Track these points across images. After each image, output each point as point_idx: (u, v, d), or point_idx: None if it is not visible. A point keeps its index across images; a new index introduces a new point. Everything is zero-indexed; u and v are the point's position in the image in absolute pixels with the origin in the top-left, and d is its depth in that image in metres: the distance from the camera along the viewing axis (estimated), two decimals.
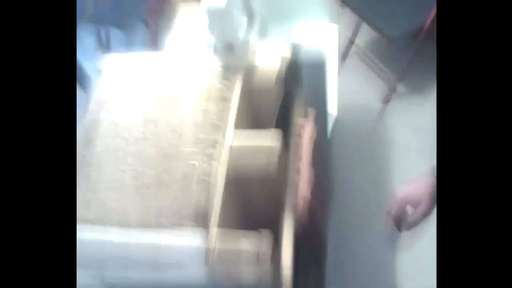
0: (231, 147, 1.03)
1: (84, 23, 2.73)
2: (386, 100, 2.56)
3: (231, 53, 1.20)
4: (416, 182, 0.95)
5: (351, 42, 2.73)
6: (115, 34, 2.66)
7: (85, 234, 0.96)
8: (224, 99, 1.11)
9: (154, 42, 2.54)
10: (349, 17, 2.61)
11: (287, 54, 1.18)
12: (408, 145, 2.31)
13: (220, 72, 1.16)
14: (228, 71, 1.16)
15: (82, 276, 1.08)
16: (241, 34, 1.20)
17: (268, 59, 1.17)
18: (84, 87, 2.17)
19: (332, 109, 1.66)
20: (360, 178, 2.12)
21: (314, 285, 1.59)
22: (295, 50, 1.22)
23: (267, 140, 1.03)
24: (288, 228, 1.07)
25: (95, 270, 1.03)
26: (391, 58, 2.71)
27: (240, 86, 1.13)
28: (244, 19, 1.27)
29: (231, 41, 1.19)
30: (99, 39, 2.69)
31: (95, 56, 2.72)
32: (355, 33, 2.69)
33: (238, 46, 1.21)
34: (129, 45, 2.69)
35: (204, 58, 1.21)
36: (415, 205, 0.93)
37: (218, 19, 1.14)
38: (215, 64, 1.18)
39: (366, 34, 2.75)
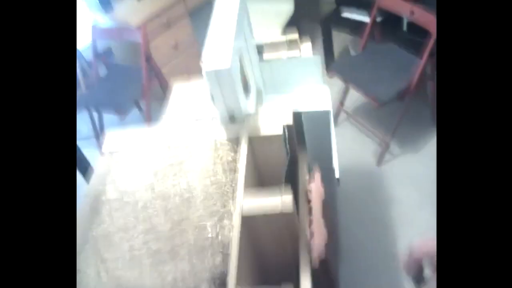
0: (243, 217, 1.03)
1: (77, 108, 2.79)
2: (381, 159, 2.60)
3: (235, 124, 1.23)
4: (433, 239, 0.95)
5: (341, 105, 2.81)
6: (109, 118, 2.72)
7: None
8: (233, 171, 1.13)
9: (147, 123, 2.60)
10: (337, 84, 2.72)
11: (290, 121, 1.22)
12: (409, 201, 2.33)
13: (227, 145, 1.19)
14: (234, 143, 1.19)
15: None
16: (242, 104, 1.25)
17: (272, 127, 1.20)
18: (83, 173, 2.19)
19: (335, 170, 1.69)
20: (364, 236, 2.11)
21: None
22: (298, 116, 1.26)
23: (278, 207, 1.03)
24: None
25: None
26: (380, 120, 2.79)
27: (246, 156, 1.15)
28: (242, 89, 1.32)
29: (233, 112, 1.24)
30: (93, 124, 2.74)
31: (91, 141, 2.77)
32: (343, 98, 2.79)
33: (242, 117, 1.25)
34: (122, 126, 2.75)
35: (207, 131, 1.25)
36: (432, 260, 0.93)
37: (222, 92, 1.18)
38: (221, 136, 1.21)
39: (353, 98, 2.85)
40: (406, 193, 2.39)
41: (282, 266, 1.18)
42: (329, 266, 1.21)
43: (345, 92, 2.76)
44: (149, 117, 2.63)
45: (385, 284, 1.85)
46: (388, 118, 2.69)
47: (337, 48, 3.29)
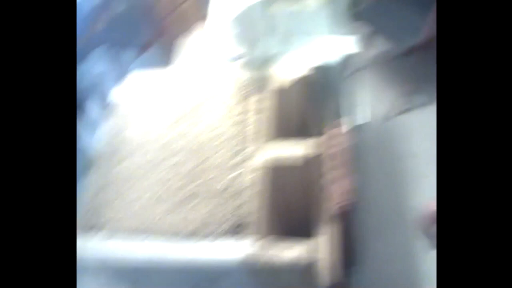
0: (266, 159, 1.02)
1: (96, 46, 2.75)
2: (402, 112, 2.55)
3: (260, 65, 1.20)
4: None
5: (363, 55, 2.73)
6: (128, 55, 2.67)
7: (123, 245, 0.95)
8: (257, 112, 1.11)
9: (168, 62, 2.55)
10: (360, 31, 2.62)
11: (316, 65, 1.18)
12: (425, 155, 2.29)
13: (251, 85, 1.16)
14: (259, 84, 1.16)
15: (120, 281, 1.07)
16: (268, 46, 1.21)
17: (297, 70, 1.17)
18: (104, 108, 2.18)
19: (356, 120, 1.65)
20: (378, 190, 2.09)
21: None
22: (324, 61, 1.22)
23: (301, 150, 1.02)
24: (327, 236, 1.05)
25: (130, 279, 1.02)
26: (399, 71, 2.71)
27: (271, 98, 1.12)
28: (268, 33, 1.28)
29: (260, 54, 1.20)
30: (112, 61, 2.70)
31: (110, 77, 2.74)
32: (367, 46, 2.70)
33: (267, 58, 1.21)
34: (143, 65, 2.70)
35: (232, 71, 1.21)
36: None
37: (247, 32, 1.14)
38: (246, 77, 1.18)
39: (378, 47, 2.76)
40: (423, 147, 2.34)
41: (302, 211, 1.18)
42: (350, 215, 1.20)
43: (370, 39, 2.67)
44: (170, 56, 2.58)
45: (399, 239, 1.85)
46: (407, 70, 2.60)
47: None
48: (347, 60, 1.60)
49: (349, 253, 1.46)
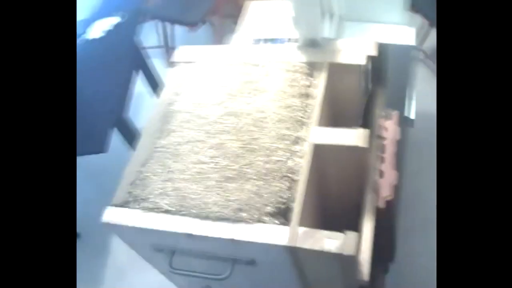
0: (315, 145, 0.99)
1: (147, 20, 2.77)
2: None
3: (315, 48, 1.16)
4: None
5: (420, 48, 2.64)
6: (179, 31, 2.68)
7: (162, 224, 0.95)
8: (309, 96, 1.08)
9: (219, 40, 2.54)
10: (418, 23, 2.53)
11: (373, 53, 1.13)
12: None
13: (304, 69, 1.13)
14: (312, 68, 1.13)
15: (157, 258, 1.07)
16: (326, 29, 1.17)
17: (353, 57, 1.12)
18: (151, 83, 2.19)
19: (408, 114, 1.59)
20: (425, 185, 2.03)
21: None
22: (382, 48, 1.17)
23: (352, 139, 0.98)
24: (368, 230, 1.02)
25: (167, 256, 1.02)
26: None
27: (324, 83, 1.09)
28: (327, 15, 1.24)
29: (315, 35, 1.16)
30: (163, 34, 2.71)
31: (159, 51, 2.76)
32: (423, 38, 2.61)
33: (323, 42, 1.17)
34: (191, 42, 2.71)
35: (284, 52, 1.18)
36: None
37: (304, 13, 1.11)
38: (300, 60, 1.15)
39: (432, 40, 2.66)
40: None
41: (345, 203, 1.15)
42: (393, 210, 1.17)
43: (426, 32, 2.58)
44: (220, 34, 2.57)
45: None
46: None
47: None
48: (404, 51, 1.54)
49: (388, 249, 1.42)
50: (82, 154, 1.72)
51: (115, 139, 1.87)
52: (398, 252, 1.60)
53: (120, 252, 2.06)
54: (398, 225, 1.52)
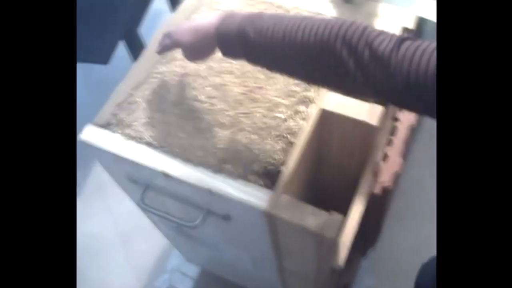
0: (323, 110, 0.90)
1: None
2: None
3: (349, 5, 1.05)
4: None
5: None
6: None
7: (140, 155, 0.87)
8: None
9: None
10: None
11: (411, 25, 1.02)
12: None
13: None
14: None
15: (131, 188, 1.01)
16: None
17: (389, 25, 1.01)
18: (174, 4, 2.06)
19: None
20: (426, 180, 1.95)
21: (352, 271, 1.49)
22: (420, 23, 1.05)
23: (364, 114, 0.89)
24: (356, 214, 0.95)
25: (140, 189, 0.95)
26: None
27: None
28: None
29: None
30: None
31: None
32: None
33: (360, 0, 1.06)
34: None
35: (317, 3, 1.07)
36: None
37: None
38: (330, 14, 1.03)
39: None
40: None
41: (339, 179, 1.07)
42: (388, 198, 1.09)
43: None
44: None
45: (427, 231, 1.73)
46: None
47: None
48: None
49: (372, 235, 1.36)
50: (84, 61, 1.63)
51: (123, 52, 1.77)
52: (379, 238, 1.54)
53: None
54: (388, 212, 1.45)
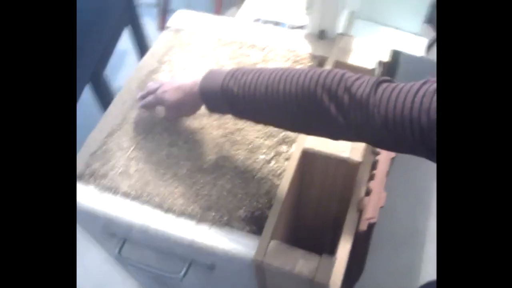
0: (305, 149, 0.88)
1: None
2: None
3: (324, 41, 1.05)
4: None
5: (425, 60, 2.55)
6: None
7: (117, 206, 0.83)
8: None
9: (216, 10, 2.39)
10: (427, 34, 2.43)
11: (386, 58, 1.02)
12: None
13: (308, 61, 1.01)
14: (317, 62, 1.01)
15: (107, 241, 0.96)
16: (339, 25, 1.05)
17: (364, 59, 1.01)
18: (140, 43, 2.04)
19: None
20: (398, 206, 1.96)
21: None
22: (394, 55, 1.06)
23: (346, 151, 0.87)
24: (344, 253, 0.92)
25: (117, 242, 0.90)
26: None
27: None
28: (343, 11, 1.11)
29: (326, 26, 1.04)
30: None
31: (152, 11, 2.60)
32: (429, 48, 2.52)
33: (334, 35, 1.06)
34: (188, 7, 2.55)
35: (289, 39, 1.06)
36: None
37: (321, 2, 0.99)
38: (305, 50, 1.03)
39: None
40: None
41: (322, 216, 1.05)
42: (371, 234, 1.07)
43: (431, 44, 2.48)
44: (220, 5, 2.42)
45: (405, 259, 1.72)
46: None
47: None
48: (414, 61, 1.44)
49: (357, 270, 1.33)
50: None
51: (88, 97, 1.72)
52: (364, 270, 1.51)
53: None
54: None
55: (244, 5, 1.40)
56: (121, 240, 0.89)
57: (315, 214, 1.06)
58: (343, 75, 0.62)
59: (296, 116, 0.66)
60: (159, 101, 0.86)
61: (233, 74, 0.71)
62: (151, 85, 0.89)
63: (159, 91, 0.85)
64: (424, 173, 2.12)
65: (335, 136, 0.68)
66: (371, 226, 1.00)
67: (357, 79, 0.61)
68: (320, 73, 0.63)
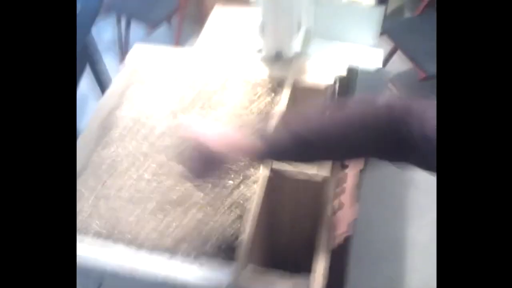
0: (273, 169, 0.89)
1: (104, 12, 2.60)
2: None
3: (281, 62, 1.07)
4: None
5: (383, 72, 2.61)
6: (136, 27, 2.52)
7: (89, 248, 0.81)
8: (268, 114, 0.98)
9: (175, 41, 2.41)
10: (382, 45, 2.49)
11: (342, 74, 1.05)
12: (426, 187, 2.17)
13: (267, 83, 1.03)
14: (276, 83, 1.03)
15: (83, 282, 0.94)
16: (294, 45, 1.08)
17: (321, 77, 1.04)
18: (100, 84, 2.03)
19: None
20: (374, 218, 1.97)
21: None
22: (350, 70, 1.09)
23: (313, 167, 0.89)
24: (321, 270, 0.92)
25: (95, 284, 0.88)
26: (420, 93, 2.59)
27: (286, 101, 0.99)
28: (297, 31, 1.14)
29: (282, 48, 1.07)
30: (118, 33, 2.55)
31: (112, 50, 2.60)
32: (387, 60, 2.58)
33: (290, 56, 1.08)
34: (148, 41, 2.56)
35: (247, 64, 1.08)
36: None
37: (275, 22, 1.01)
38: (263, 73, 1.05)
39: (396, 63, 2.64)
40: (424, 177, 2.22)
41: (296, 235, 1.05)
42: (348, 245, 1.08)
43: (389, 55, 2.55)
44: (179, 36, 2.44)
45: (387, 270, 1.74)
46: (428, 94, 2.47)
47: (390, 5, 3.02)
48: (371, 74, 1.48)
49: (339, 286, 1.34)
50: None
51: None
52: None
53: None
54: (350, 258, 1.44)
55: (201, 35, 1.42)
56: (97, 281, 0.88)
57: (290, 233, 1.06)
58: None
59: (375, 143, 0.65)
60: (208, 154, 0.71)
61: (301, 123, 0.72)
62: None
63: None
64: (399, 182, 2.16)
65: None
66: (346, 240, 1.01)
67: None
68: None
